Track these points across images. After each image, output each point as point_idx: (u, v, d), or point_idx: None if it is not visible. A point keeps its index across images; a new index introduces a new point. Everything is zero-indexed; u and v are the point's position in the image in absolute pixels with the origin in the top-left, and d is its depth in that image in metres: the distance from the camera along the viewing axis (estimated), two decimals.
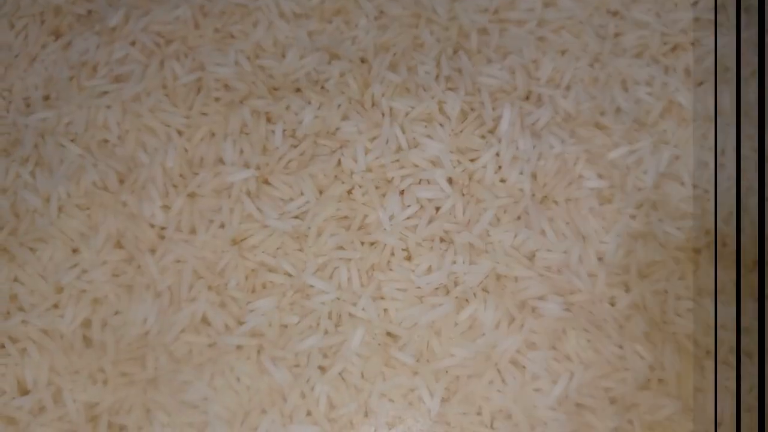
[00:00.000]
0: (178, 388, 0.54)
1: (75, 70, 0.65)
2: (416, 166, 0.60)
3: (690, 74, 0.64)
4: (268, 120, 0.62)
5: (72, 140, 0.62)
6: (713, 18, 0.65)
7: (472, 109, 0.62)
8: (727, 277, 0.57)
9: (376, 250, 0.57)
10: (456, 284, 0.56)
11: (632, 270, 0.57)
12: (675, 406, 0.53)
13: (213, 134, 0.61)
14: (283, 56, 0.65)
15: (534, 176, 0.60)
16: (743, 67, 0.63)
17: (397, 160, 0.60)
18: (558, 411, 0.53)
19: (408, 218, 0.58)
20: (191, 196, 0.59)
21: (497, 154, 0.60)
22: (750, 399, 0.53)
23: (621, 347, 0.54)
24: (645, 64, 0.64)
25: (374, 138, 0.61)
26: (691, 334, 0.55)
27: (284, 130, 0.61)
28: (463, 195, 0.59)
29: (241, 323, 0.55)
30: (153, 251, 0.58)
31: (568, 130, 0.61)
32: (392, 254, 0.57)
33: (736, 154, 0.60)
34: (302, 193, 0.59)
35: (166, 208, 0.59)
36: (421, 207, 0.59)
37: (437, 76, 0.63)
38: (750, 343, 0.55)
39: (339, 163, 0.60)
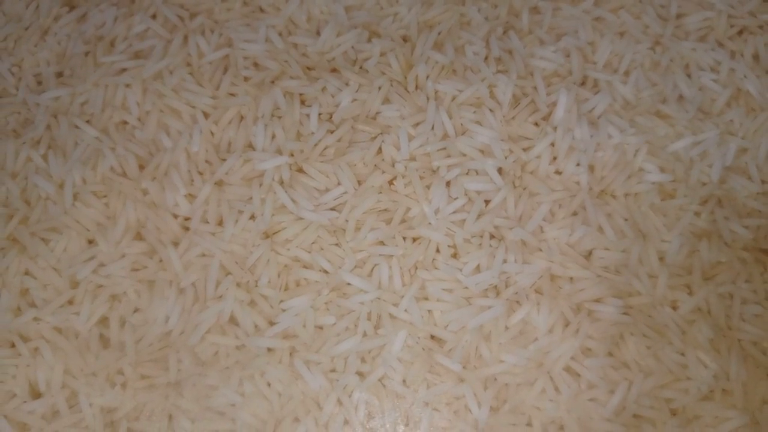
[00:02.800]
0: (203, 393, 0.51)
1: (91, 44, 0.62)
2: (464, 155, 0.57)
3: (759, 60, 0.61)
4: (303, 102, 0.59)
5: (87, 121, 0.59)
6: None
7: (525, 94, 0.59)
8: None
9: (420, 246, 0.54)
10: (507, 285, 0.54)
11: (696, 271, 0.54)
12: (741, 419, 0.50)
13: (242, 117, 0.59)
14: (318, 33, 0.62)
15: (591, 168, 0.57)
16: None
17: (444, 149, 0.57)
18: (615, 423, 0.50)
19: (455, 212, 0.55)
20: (218, 184, 0.56)
21: (552, 144, 0.57)
22: None
23: (683, 354, 0.52)
24: (710, 48, 0.61)
25: (418, 123, 0.58)
26: (758, 342, 0.53)
27: (320, 114, 0.59)
28: (515, 187, 0.56)
29: (272, 324, 0.53)
30: (176, 244, 0.55)
31: (628, 119, 0.58)
32: (437, 251, 0.54)
33: None
34: (339, 183, 0.56)
35: (190, 197, 0.56)
36: (470, 200, 0.56)
37: (486, 58, 0.61)
38: None
39: (379, 150, 0.57)
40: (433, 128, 0.57)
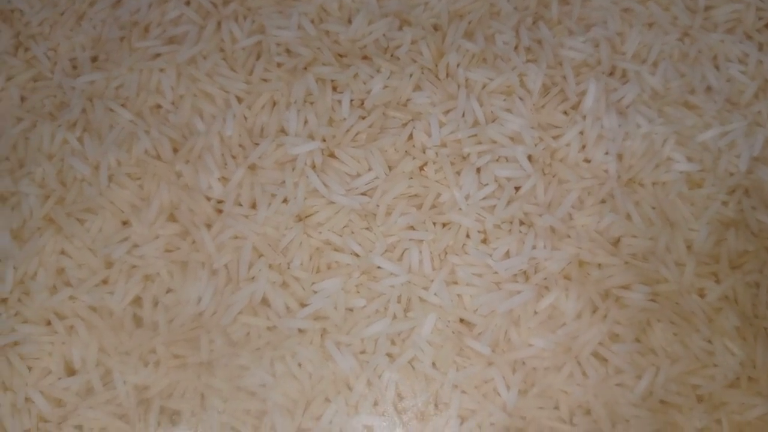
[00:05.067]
0: (235, 373, 0.51)
1: (126, 30, 0.63)
2: (494, 142, 0.57)
3: None
4: (335, 89, 0.59)
5: (122, 105, 0.59)
6: None
7: (555, 84, 0.59)
8: None
9: (450, 231, 0.55)
10: (536, 270, 0.54)
11: (723, 260, 0.54)
12: (767, 406, 0.50)
13: (275, 102, 0.59)
14: (350, 21, 0.62)
15: (620, 157, 0.57)
16: None
17: (474, 135, 0.57)
18: (641, 408, 0.50)
19: (485, 198, 0.55)
20: (252, 168, 0.57)
21: (581, 133, 0.57)
22: None
23: (710, 342, 0.52)
24: (738, 40, 0.61)
25: (449, 110, 0.58)
26: None
27: (352, 100, 0.59)
28: (545, 174, 0.57)
29: (303, 305, 0.53)
30: (209, 226, 0.55)
31: (656, 109, 0.58)
32: (467, 236, 0.55)
33: None
34: (371, 168, 0.56)
35: (224, 179, 0.56)
36: (500, 186, 0.56)
37: (516, 47, 0.61)
38: None
39: (410, 136, 0.57)
40: (463, 115, 0.58)
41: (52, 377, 0.51)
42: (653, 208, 0.56)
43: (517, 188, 0.56)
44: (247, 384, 0.51)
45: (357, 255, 0.54)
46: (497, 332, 0.52)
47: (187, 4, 0.63)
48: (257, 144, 0.57)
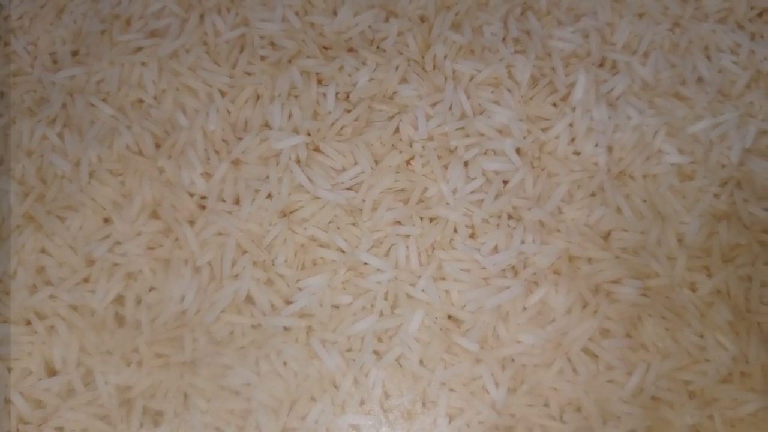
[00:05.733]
0: (219, 372, 0.50)
1: (107, 23, 0.62)
2: (482, 134, 0.57)
3: None
4: (319, 82, 0.59)
5: (104, 100, 0.58)
6: None
7: (543, 75, 0.59)
8: None
9: (438, 226, 0.54)
10: (525, 265, 0.53)
11: (715, 253, 0.53)
12: (760, 402, 0.50)
13: (258, 96, 0.58)
14: (335, 13, 0.62)
15: (610, 149, 0.57)
16: None
17: (462, 128, 0.57)
18: (632, 404, 0.50)
19: (473, 192, 0.55)
20: (235, 163, 0.56)
21: (570, 125, 0.57)
22: None
23: (702, 337, 0.51)
24: (729, 29, 0.61)
25: (436, 103, 0.58)
26: None
27: (337, 93, 0.58)
28: (534, 168, 0.56)
29: (288, 303, 0.52)
30: (192, 222, 0.54)
31: (646, 101, 0.58)
32: (455, 231, 0.54)
33: None
34: (356, 163, 0.56)
35: (207, 175, 0.56)
36: (488, 180, 0.55)
37: (504, 38, 0.60)
38: None
39: (397, 130, 0.57)
40: (450, 108, 0.57)
41: (32, 378, 0.50)
42: (644, 201, 0.55)
43: (505, 182, 0.55)
44: (231, 383, 0.50)
45: (343, 251, 0.53)
46: (485, 329, 0.51)
47: None
48: (241, 139, 0.56)
